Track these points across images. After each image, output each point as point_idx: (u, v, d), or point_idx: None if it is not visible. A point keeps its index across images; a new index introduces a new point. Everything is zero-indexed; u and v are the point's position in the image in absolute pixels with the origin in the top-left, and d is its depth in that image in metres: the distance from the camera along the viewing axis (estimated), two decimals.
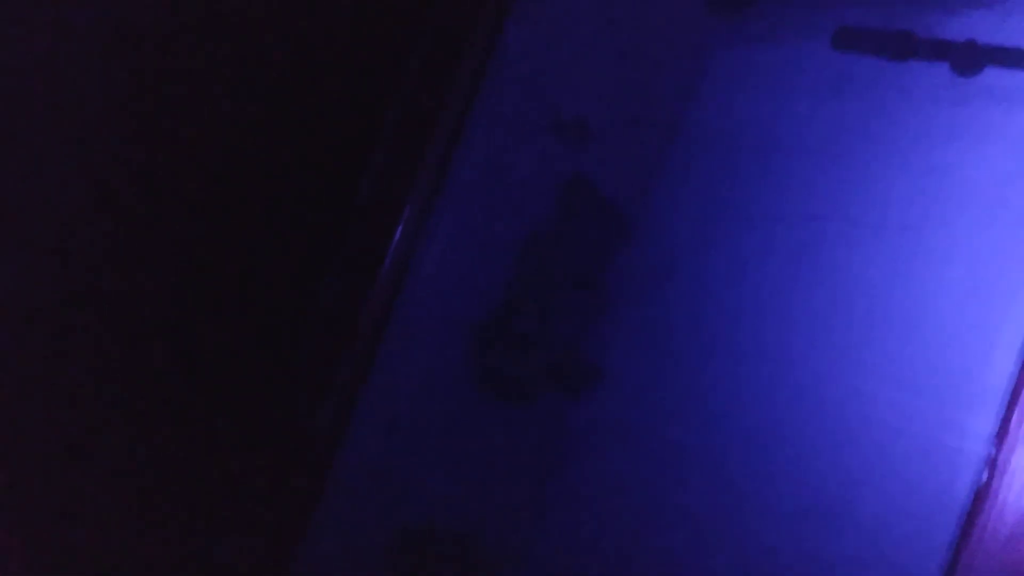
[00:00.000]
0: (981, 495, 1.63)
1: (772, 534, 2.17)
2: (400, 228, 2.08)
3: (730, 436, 2.38)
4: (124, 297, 1.88)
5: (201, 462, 1.99)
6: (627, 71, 2.58)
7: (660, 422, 2.48)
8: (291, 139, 2.08)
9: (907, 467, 2.04)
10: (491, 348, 2.21)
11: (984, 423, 1.86)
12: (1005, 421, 1.56)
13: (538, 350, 2.31)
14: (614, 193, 2.52)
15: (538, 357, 2.29)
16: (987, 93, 2.23)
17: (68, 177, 1.72)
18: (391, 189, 2.12)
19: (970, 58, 2.20)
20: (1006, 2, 2.23)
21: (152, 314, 1.90)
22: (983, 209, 2.20)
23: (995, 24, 2.21)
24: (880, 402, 2.17)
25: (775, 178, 2.55)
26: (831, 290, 2.37)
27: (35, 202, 1.70)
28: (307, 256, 2.08)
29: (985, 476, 1.68)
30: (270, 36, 1.94)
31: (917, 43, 2.28)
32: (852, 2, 2.47)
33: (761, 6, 2.64)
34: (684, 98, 2.69)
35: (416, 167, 2.13)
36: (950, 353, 2.09)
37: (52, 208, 1.71)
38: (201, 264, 1.94)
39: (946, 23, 2.29)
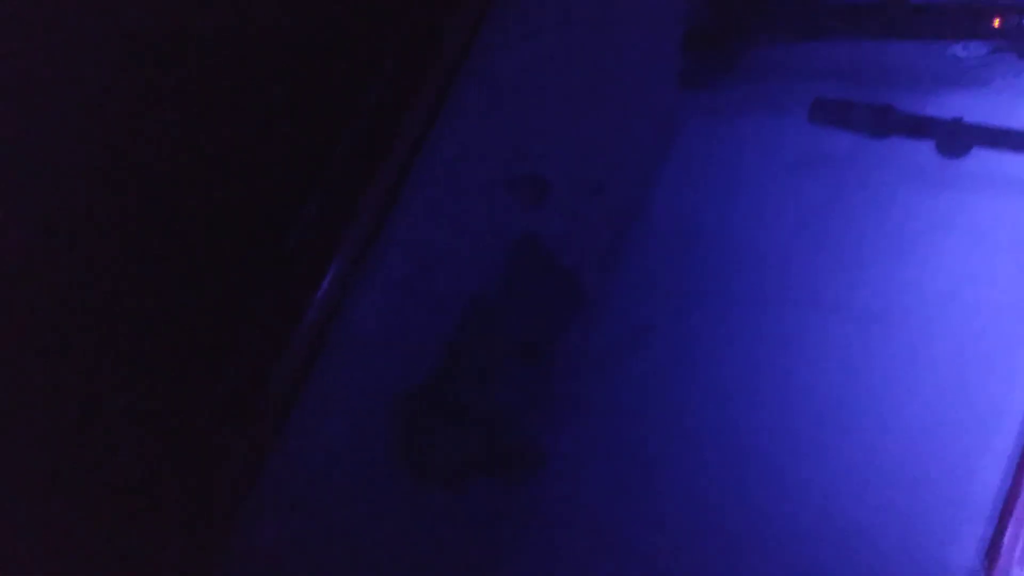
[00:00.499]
0: None
1: None
2: (327, 280, 1.85)
3: (686, 533, 2.15)
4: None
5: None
6: (593, 136, 2.41)
7: (609, 513, 2.23)
8: (222, 176, 1.87)
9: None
10: (421, 421, 1.96)
11: (969, 534, 1.65)
12: (997, 535, 1.34)
13: (475, 426, 2.06)
14: (573, 260, 2.33)
15: (474, 434, 2.05)
16: (975, 177, 2.08)
17: None
18: (322, 237, 1.90)
19: (956, 138, 2.05)
20: (996, 79, 2.10)
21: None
22: (968, 303, 2.02)
23: (984, 102, 2.07)
24: (849, 497, 1.96)
25: (745, 257, 2.37)
26: (798, 380, 2.17)
27: None
28: (220, 310, 1.84)
29: None
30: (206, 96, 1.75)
31: (899, 119, 2.13)
32: (830, 74, 2.34)
33: (735, 78, 2.50)
34: (651, 168, 2.52)
35: (351, 214, 1.92)
36: (930, 454, 1.88)
37: None
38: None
39: (932, 99, 2.15)
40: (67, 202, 1.59)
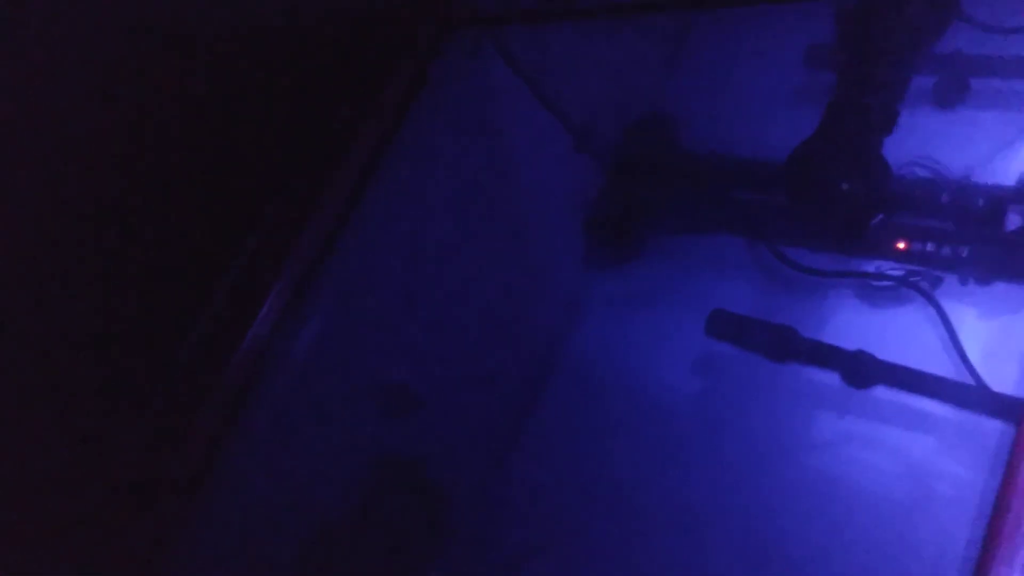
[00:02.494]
0: None
1: None
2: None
3: None
4: None
5: None
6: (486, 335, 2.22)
7: None
8: None
9: None
10: None
11: None
12: None
13: None
14: (449, 477, 2.11)
15: None
16: (875, 406, 1.90)
17: None
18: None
19: (860, 372, 1.88)
20: (907, 304, 1.94)
21: None
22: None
23: (894, 328, 1.90)
24: None
25: (642, 457, 2.16)
26: None
27: None
28: None
29: None
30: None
31: (800, 346, 1.95)
32: (736, 267, 2.17)
33: (640, 265, 2.33)
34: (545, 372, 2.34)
35: (185, 437, 1.71)
36: None
37: None
38: None
39: (838, 318, 1.99)
40: None
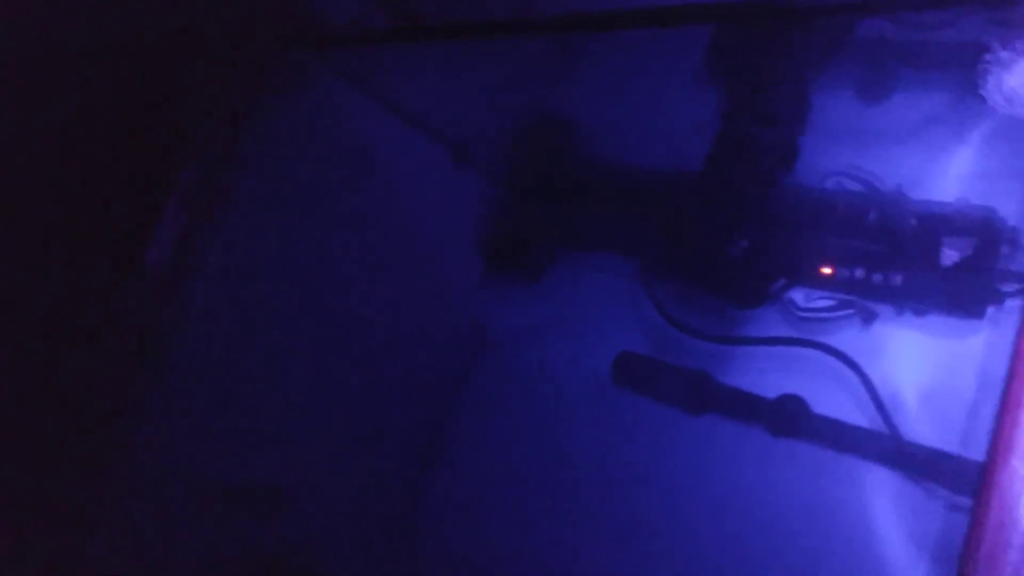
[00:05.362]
0: None
1: None
2: None
3: None
4: None
5: None
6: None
7: None
8: None
9: None
10: None
11: None
12: None
13: None
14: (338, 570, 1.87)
15: None
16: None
17: None
18: None
19: (784, 421, 1.64)
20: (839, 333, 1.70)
21: None
22: None
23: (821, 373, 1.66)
24: None
25: (556, 518, 1.93)
26: None
27: None
28: None
29: None
30: None
31: (717, 393, 1.71)
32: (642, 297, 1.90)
33: (544, 290, 2.06)
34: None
35: None
36: None
37: None
38: None
39: (757, 364, 1.74)
40: None
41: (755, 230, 1.42)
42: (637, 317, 1.90)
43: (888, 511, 1.54)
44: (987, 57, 1.44)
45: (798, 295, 1.72)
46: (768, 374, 1.70)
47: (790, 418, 1.63)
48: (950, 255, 1.55)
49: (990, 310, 1.51)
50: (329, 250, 1.71)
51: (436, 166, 1.86)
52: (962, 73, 1.50)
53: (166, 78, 1.54)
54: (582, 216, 1.99)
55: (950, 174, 1.60)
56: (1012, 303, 1.49)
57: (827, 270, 1.68)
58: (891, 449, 1.53)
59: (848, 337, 1.67)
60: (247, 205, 1.66)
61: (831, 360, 1.63)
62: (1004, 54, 1.44)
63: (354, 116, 1.77)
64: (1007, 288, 1.48)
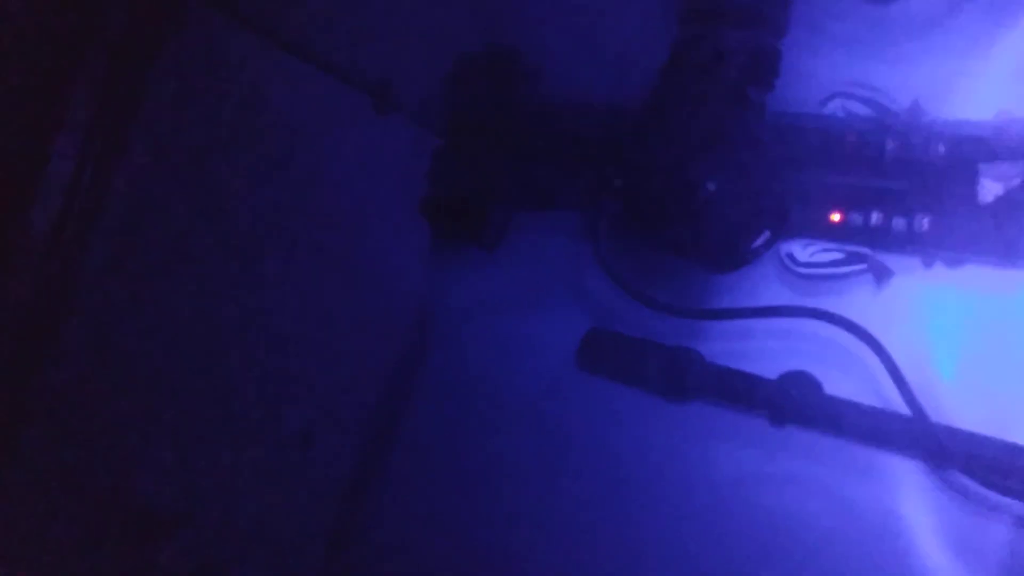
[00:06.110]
0: None
1: None
2: None
3: None
4: None
5: None
6: None
7: None
8: None
9: None
10: None
11: None
12: None
13: None
14: None
15: None
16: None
17: None
18: None
19: (783, 409, 1.32)
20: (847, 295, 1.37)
21: None
22: None
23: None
24: None
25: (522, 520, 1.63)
26: None
27: None
28: None
29: None
30: None
31: (699, 377, 1.39)
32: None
33: (501, 257, 1.73)
34: None
35: None
36: None
37: None
38: None
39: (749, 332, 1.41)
40: None
41: (725, 167, 1.08)
42: (612, 288, 1.57)
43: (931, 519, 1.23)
44: None
45: (796, 246, 1.39)
46: (765, 350, 1.38)
47: (798, 402, 1.31)
48: (991, 187, 1.22)
49: None
50: (232, 228, 1.39)
51: (353, 116, 1.54)
52: None
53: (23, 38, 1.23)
54: (542, 169, 1.65)
55: (985, 79, 1.26)
56: None
57: (836, 216, 1.35)
58: (924, 437, 1.21)
59: (862, 297, 1.35)
60: (133, 179, 1.34)
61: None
62: None
63: (248, 62, 1.44)
64: None
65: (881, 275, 1.31)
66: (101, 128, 1.31)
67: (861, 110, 1.31)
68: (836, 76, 1.32)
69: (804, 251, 1.38)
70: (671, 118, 1.11)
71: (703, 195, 1.07)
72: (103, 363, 1.29)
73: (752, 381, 1.34)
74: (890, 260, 1.31)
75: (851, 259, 1.34)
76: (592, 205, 1.40)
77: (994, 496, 1.15)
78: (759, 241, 1.16)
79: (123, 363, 1.32)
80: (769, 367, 1.36)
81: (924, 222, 1.27)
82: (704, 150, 1.08)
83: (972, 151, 1.23)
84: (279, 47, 1.40)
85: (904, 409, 1.22)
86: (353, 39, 1.51)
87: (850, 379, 1.30)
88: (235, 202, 1.38)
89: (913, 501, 1.24)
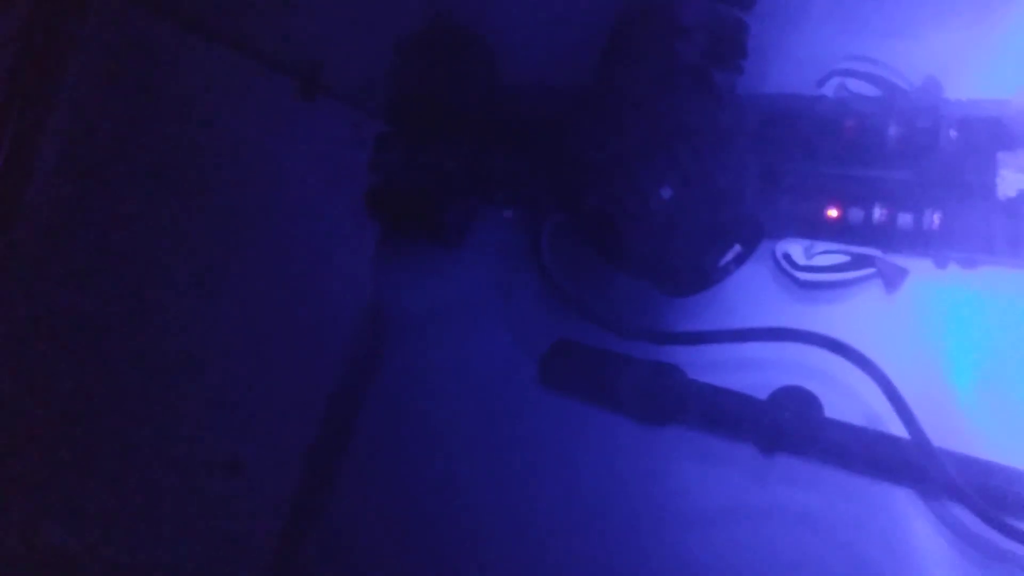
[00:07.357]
0: None
1: None
2: None
3: None
4: None
5: None
6: None
7: None
8: None
9: None
10: None
11: None
12: None
13: None
14: None
15: None
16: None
17: None
18: None
19: (774, 440, 1.16)
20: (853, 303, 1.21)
21: None
22: None
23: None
24: None
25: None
26: None
27: None
28: None
29: None
30: None
31: (673, 400, 1.22)
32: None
33: (458, 258, 1.56)
34: None
35: None
36: None
37: None
38: None
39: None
40: None
41: (683, 168, 0.90)
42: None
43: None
44: None
45: (795, 248, 1.22)
46: (756, 361, 1.22)
47: (793, 426, 1.14)
48: (1012, 179, 1.05)
49: None
50: (125, 245, 1.20)
51: (278, 105, 1.34)
52: None
53: None
54: (504, 159, 1.47)
55: (1003, 52, 1.09)
56: None
57: (833, 212, 1.18)
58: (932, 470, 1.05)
59: (868, 304, 1.18)
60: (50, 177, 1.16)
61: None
62: None
63: (162, 50, 1.25)
64: None
65: (893, 279, 1.14)
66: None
67: (864, 90, 1.13)
68: (832, 51, 1.14)
69: (804, 253, 1.22)
70: (616, 109, 0.93)
71: (656, 204, 0.89)
72: None
73: (742, 402, 1.17)
74: (899, 261, 1.14)
75: (858, 262, 1.17)
76: (533, 211, 1.23)
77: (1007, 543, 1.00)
78: (728, 257, 0.99)
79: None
80: (760, 381, 1.20)
81: (934, 218, 1.11)
82: (657, 148, 0.89)
83: (989, 136, 1.06)
84: (184, 25, 1.20)
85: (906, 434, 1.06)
86: (277, 14, 1.31)
87: (852, 394, 1.14)
88: (128, 210, 1.18)
89: (917, 542, 1.09)
